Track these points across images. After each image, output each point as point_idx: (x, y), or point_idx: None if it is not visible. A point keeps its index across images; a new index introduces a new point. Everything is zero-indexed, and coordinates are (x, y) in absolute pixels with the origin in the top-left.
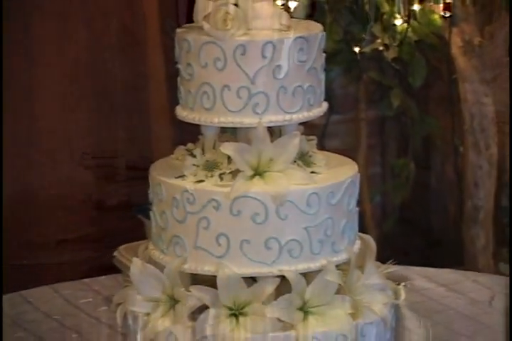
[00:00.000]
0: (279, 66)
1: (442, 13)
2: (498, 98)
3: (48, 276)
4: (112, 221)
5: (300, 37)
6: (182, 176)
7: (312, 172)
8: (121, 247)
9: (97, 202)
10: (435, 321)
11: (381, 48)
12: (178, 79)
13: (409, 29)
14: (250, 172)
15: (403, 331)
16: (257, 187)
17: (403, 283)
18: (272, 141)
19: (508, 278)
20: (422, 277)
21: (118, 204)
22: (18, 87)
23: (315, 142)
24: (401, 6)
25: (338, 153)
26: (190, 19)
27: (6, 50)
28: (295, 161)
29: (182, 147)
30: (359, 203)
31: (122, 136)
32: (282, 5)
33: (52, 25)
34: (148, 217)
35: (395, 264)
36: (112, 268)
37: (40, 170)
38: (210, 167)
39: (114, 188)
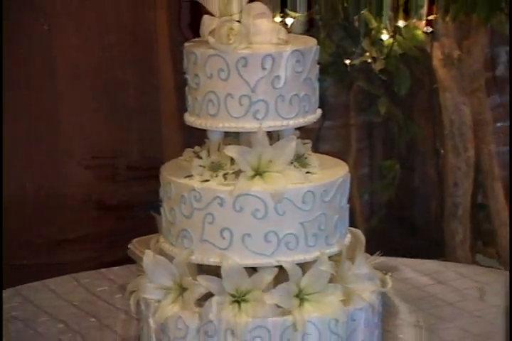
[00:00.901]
0: (277, 76)
1: (424, 29)
2: (475, 106)
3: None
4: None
5: (296, 50)
6: (190, 176)
7: (307, 172)
8: (135, 240)
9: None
10: (419, 307)
11: (369, 61)
12: (186, 88)
13: (395, 43)
14: (251, 173)
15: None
16: (258, 186)
17: (389, 273)
18: (270, 144)
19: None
20: (406, 267)
21: (133, 203)
22: (39, 91)
23: (310, 145)
24: (387, 22)
25: (331, 156)
26: (194, 32)
27: (24, 57)
28: (292, 162)
29: (190, 149)
30: (350, 200)
31: (136, 140)
32: (280, 21)
33: (71, 39)
34: (159, 213)
35: (382, 256)
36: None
37: (58, 171)
38: (215, 167)
39: (128, 186)
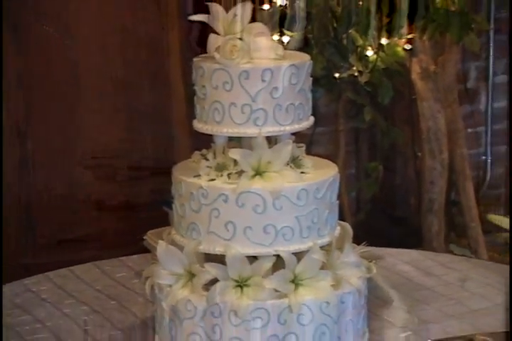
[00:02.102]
0: (275, 88)
1: (404, 46)
2: (448, 114)
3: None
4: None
5: (292, 65)
6: (198, 175)
7: (302, 172)
8: (150, 232)
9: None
10: (397, 290)
11: (356, 74)
12: (195, 98)
13: (378, 59)
14: (252, 173)
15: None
16: (258, 185)
17: (374, 261)
18: (269, 148)
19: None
20: (389, 256)
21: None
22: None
23: (304, 148)
24: (372, 40)
25: (322, 158)
26: (202, 49)
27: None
28: (288, 164)
29: (198, 152)
30: (339, 197)
31: (150, 144)
32: (278, 39)
33: (95, 54)
34: (171, 208)
35: (367, 246)
36: None
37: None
38: (220, 168)
39: (145, 184)
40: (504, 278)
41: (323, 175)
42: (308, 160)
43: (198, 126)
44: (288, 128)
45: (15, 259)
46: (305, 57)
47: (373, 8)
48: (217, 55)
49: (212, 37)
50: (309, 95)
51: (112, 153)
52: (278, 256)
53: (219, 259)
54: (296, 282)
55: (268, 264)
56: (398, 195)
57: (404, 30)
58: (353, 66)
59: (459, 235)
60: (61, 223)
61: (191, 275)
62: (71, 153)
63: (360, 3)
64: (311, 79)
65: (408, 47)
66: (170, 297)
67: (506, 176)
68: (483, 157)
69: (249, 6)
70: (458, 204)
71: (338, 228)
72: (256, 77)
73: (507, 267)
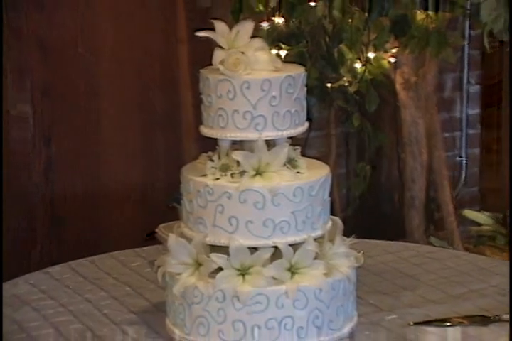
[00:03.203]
0: (273, 96)
1: (389, 60)
2: (427, 120)
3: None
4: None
5: (288, 76)
6: (204, 175)
7: (297, 172)
8: (161, 225)
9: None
10: (383, 278)
11: (346, 84)
12: (202, 106)
13: (366, 70)
14: (253, 173)
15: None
16: (258, 183)
17: (362, 251)
18: (268, 150)
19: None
20: (375, 247)
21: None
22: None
23: (299, 151)
24: (360, 54)
25: (315, 159)
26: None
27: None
28: (285, 164)
29: (204, 154)
30: (330, 194)
31: (162, 146)
32: (276, 53)
33: (113, 67)
34: (180, 204)
35: (356, 238)
36: None
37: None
38: (224, 168)
39: (155, 181)
40: (477, 267)
41: (316, 174)
42: (303, 161)
43: (205, 130)
44: (285, 132)
45: (42, 250)
46: (300, 69)
47: (361, 26)
48: (221, 67)
49: (217, 51)
50: (304, 103)
51: (127, 153)
52: (276, 247)
53: (223, 250)
54: (292, 270)
55: (267, 254)
56: (383, 192)
57: (389, 45)
58: (343, 77)
59: (437, 228)
60: (83, 219)
61: (198, 265)
62: (92, 155)
63: (350, 21)
64: (305, 88)
65: (392, 60)
66: (179, 284)
67: (479, 175)
68: (459, 158)
69: (250, 24)
70: (436, 200)
71: (330, 222)
72: (256, 86)
73: (480, 257)
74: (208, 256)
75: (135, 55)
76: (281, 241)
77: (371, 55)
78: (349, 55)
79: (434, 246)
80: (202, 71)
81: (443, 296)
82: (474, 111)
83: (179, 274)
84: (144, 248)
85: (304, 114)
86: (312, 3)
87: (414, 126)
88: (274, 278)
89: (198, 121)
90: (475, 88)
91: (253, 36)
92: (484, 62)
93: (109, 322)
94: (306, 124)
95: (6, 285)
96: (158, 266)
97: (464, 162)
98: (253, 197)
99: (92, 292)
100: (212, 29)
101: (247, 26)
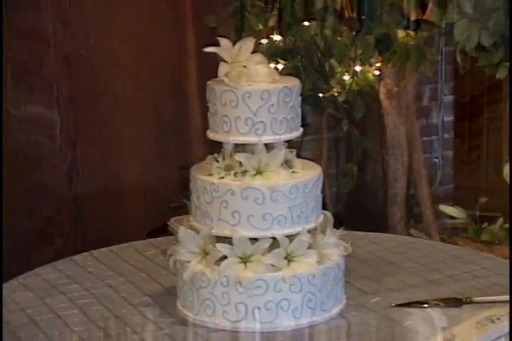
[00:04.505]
0: (272, 105)
1: (374, 72)
2: (408, 126)
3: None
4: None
5: (285, 86)
6: (211, 174)
7: (293, 172)
8: (173, 219)
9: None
10: (368, 265)
11: (336, 94)
12: (208, 113)
13: (353, 82)
14: (253, 172)
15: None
16: (258, 181)
17: (350, 242)
18: (267, 152)
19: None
20: (362, 238)
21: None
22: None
23: (294, 153)
24: (348, 67)
25: (309, 160)
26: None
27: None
28: (282, 165)
29: (211, 156)
30: (322, 191)
31: (173, 149)
32: (274, 67)
33: (130, 77)
34: (189, 200)
35: (344, 230)
36: None
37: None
38: (228, 168)
39: (167, 180)
40: (451, 255)
41: (310, 174)
42: (298, 162)
43: (211, 135)
44: (282, 136)
45: (68, 242)
46: (295, 81)
47: (349, 43)
48: (226, 79)
49: (222, 65)
50: (299, 110)
51: (143, 156)
52: (274, 238)
53: (227, 241)
54: (288, 259)
55: (266, 244)
56: (369, 190)
57: (374, 60)
58: (333, 88)
59: (416, 221)
60: (104, 214)
61: (205, 254)
62: (111, 157)
63: (339, 38)
64: (300, 98)
65: (377, 73)
66: (188, 270)
67: (453, 175)
68: (435, 159)
69: (251, 41)
70: (415, 197)
71: (322, 216)
72: (256, 96)
73: (454, 246)
74: (214, 246)
75: (150, 69)
76: (279, 232)
77: (358, 68)
78: (338, 69)
79: (414, 237)
80: (208, 82)
81: (421, 281)
82: (449, 118)
83: (188, 262)
84: (158, 239)
85: (298, 120)
86: (306, 23)
87: (396, 131)
88: (272, 266)
89: (205, 126)
90: (449, 98)
91: (254, 51)
92: (457, 77)
93: (127, 304)
94: (301, 129)
95: (37, 271)
96: (170, 255)
97: (440, 163)
98: (254, 193)
99: (112, 277)
100: (218, 45)
101: (248, 43)
